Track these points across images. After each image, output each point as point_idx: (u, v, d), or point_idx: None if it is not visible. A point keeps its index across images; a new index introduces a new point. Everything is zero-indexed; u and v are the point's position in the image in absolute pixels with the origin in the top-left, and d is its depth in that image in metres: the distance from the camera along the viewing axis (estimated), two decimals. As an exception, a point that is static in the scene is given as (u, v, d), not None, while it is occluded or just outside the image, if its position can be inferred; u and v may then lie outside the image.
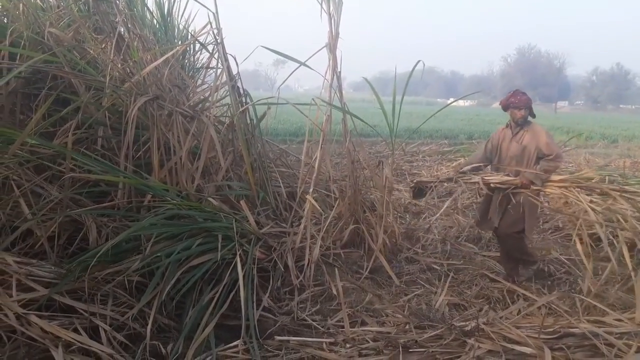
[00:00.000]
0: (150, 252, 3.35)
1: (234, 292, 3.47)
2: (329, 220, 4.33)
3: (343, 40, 4.23)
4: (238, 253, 3.50)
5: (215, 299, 3.37)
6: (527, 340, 2.92)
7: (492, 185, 4.44)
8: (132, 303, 3.30)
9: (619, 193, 4.57)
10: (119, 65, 4.55)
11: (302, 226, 4.07)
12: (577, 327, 3.18)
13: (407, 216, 6.54)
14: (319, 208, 4.04)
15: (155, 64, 4.15)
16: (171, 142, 3.95)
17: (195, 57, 5.55)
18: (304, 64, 4.15)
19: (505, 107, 4.43)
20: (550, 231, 6.16)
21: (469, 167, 4.61)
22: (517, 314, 3.52)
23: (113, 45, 4.59)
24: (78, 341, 2.82)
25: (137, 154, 4.11)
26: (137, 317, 3.22)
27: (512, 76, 73.46)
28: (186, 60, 6.65)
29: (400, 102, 3.84)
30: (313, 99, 4.05)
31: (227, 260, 3.63)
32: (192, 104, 4.29)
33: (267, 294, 3.68)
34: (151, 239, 3.40)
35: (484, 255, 5.28)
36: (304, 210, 4.29)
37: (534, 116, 4.49)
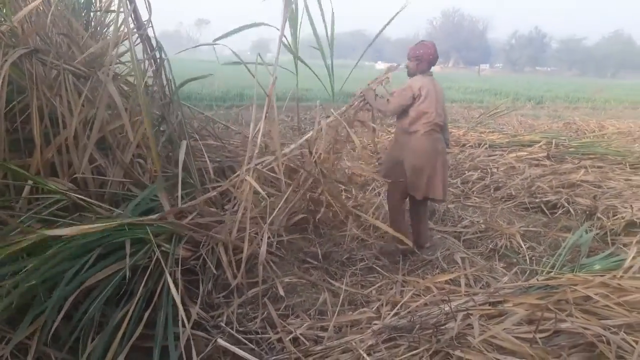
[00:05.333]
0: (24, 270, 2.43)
1: (152, 304, 2.67)
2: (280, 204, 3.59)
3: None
4: (154, 257, 2.68)
5: (128, 318, 2.55)
6: (526, 349, 2.39)
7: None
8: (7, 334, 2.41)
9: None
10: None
11: (239, 214, 3.28)
12: (566, 321, 2.71)
13: (353, 189, 5.89)
14: (260, 190, 3.25)
15: (32, 6, 3.09)
16: (59, 110, 2.97)
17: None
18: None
19: None
20: (503, 200, 5.78)
21: None
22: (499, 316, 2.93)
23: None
24: None
25: (12, 126, 3.08)
26: (15, 352, 2.35)
27: (438, 39, 74.62)
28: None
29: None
30: (259, 54, 3.23)
31: (144, 265, 2.80)
32: (87, 59, 3.27)
33: (198, 304, 2.90)
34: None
35: (439, 231, 4.77)
36: (238, 189, 3.49)
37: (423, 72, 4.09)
